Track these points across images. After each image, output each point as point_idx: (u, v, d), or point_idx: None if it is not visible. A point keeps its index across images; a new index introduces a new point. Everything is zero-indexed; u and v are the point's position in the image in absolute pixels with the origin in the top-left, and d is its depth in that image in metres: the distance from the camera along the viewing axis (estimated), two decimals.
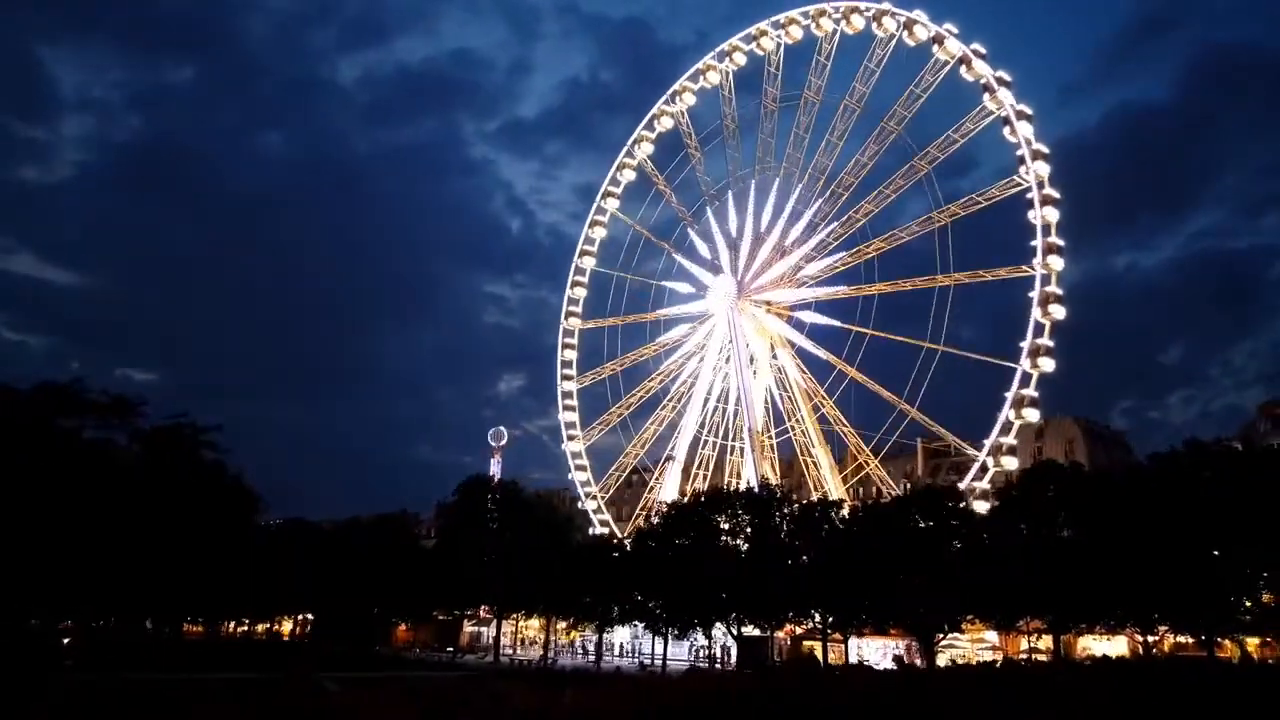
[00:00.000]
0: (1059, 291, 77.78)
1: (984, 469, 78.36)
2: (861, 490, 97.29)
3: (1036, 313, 77.47)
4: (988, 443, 78.56)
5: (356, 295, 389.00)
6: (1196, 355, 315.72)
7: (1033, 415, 78.82)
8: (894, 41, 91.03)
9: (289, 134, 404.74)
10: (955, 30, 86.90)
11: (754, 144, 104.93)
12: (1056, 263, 78.07)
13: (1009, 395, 77.31)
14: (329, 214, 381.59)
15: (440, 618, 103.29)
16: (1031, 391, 77.34)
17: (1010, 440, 78.29)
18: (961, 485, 77.51)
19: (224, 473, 67.80)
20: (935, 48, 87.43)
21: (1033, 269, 78.45)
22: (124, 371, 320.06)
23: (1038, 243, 78.52)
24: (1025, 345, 77.36)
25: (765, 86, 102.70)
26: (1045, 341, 77.12)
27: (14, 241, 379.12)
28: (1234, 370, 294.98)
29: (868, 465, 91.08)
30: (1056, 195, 79.98)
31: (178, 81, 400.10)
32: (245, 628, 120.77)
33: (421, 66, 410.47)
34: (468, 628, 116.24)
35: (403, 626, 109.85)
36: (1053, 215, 79.21)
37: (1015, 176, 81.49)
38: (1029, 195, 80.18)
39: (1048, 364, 77.05)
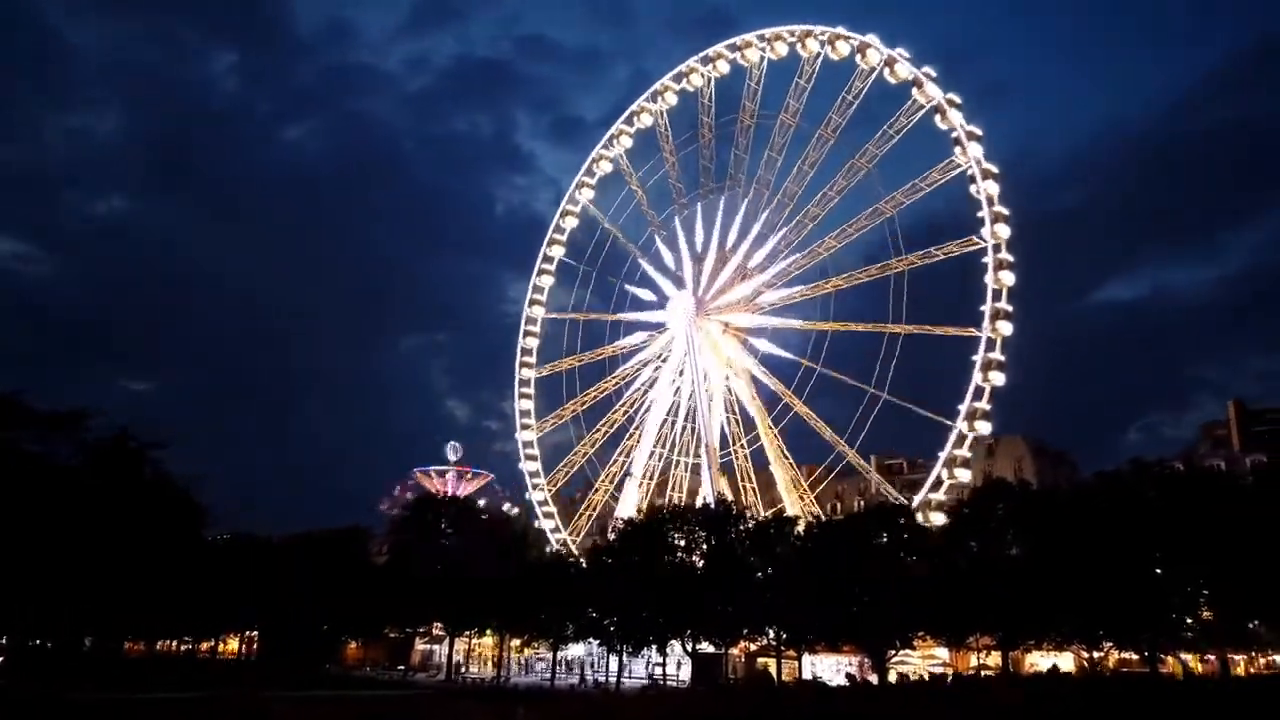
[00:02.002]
0: (1002, 358, 77.89)
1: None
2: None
3: (978, 376, 77.37)
4: (917, 498, 79.24)
5: (368, 298, 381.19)
6: (1228, 370, 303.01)
7: (964, 475, 78.95)
8: (874, 76, 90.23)
9: (323, 124, 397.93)
10: (934, 75, 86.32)
11: (727, 157, 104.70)
12: (1005, 328, 78.09)
13: (942, 455, 78.41)
14: (345, 212, 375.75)
15: (392, 635, 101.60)
16: (965, 453, 78.25)
17: (940, 496, 78.47)
18: (915, 501, 78.42)
19: (170, 485, 66.22)
20: (914, 90, 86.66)
21: (980, 332, 78.47)
22: (123, 382, 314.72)
23: (987, 307, 78.46)
24: (963, 408, 77.70)
25: (744, 101, 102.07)
26: (983, 405, 77.36)
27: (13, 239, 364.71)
28: (1267, 387, 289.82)
29: (803, 500, 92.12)
30: (1011, 259, 79.97)
31: (218, 70, 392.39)
32: (189, 645, 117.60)
33: (486, 50, 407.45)
34: (420, 646, 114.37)
35: (353, 644, 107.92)
36: (1007, 279, 79.20)
37: (975, 236, 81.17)
38: (984, 259, 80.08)
39: (984, 427, 77.77)
